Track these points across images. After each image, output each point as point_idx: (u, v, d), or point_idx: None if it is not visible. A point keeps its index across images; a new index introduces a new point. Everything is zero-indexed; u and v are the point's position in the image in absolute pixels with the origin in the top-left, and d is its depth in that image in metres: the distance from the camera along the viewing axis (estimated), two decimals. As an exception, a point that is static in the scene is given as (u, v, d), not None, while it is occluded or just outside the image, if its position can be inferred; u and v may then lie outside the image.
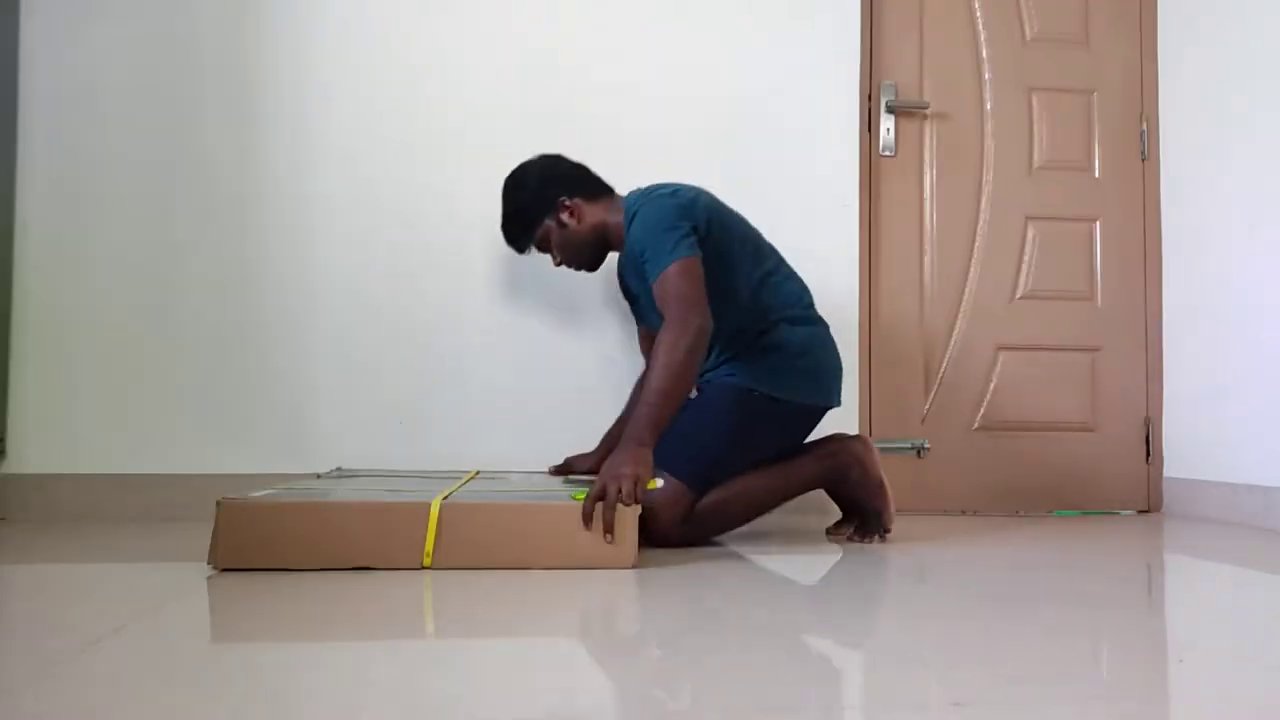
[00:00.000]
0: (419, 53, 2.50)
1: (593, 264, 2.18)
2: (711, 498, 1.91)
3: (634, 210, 2.02)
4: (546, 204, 2.10)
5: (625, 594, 1.47)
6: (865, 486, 2.04)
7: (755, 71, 2.63)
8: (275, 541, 1.58)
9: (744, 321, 2.01)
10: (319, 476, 2.15)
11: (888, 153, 2.73)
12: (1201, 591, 1.65)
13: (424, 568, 1.60)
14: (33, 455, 2.30)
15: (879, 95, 2.73)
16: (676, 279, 1.87)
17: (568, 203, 2.10)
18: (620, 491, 1.66)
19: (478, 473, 2.29)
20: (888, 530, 2.06)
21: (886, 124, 2.73)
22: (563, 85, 2.55)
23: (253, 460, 2.37)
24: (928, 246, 2.76)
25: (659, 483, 1.81)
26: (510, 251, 2.48)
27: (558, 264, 2.17)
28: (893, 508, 2.06)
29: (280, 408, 2.40)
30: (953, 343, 2.76)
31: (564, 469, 2.29)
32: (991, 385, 2.77)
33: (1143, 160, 2.87)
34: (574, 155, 2.53)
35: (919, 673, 1.04)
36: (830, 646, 1.16)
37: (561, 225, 2.10)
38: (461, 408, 2.46)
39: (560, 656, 1.12)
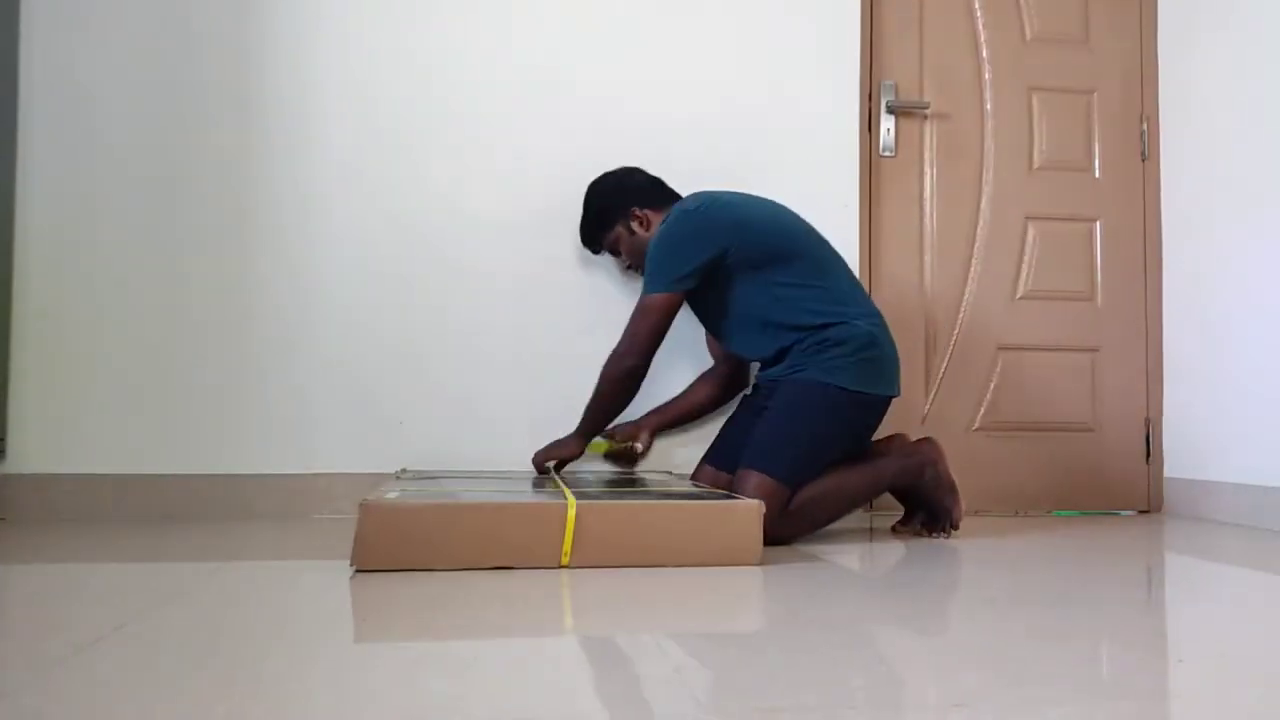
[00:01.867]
0: (421, 55, 2.50)
1: None
2: (807, 494, 2.00)
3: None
4: (620, 211, 2.29)
5: (756, 588, 1.48)
6: (939, 486, 2.16)
7: (754, 71, 2.63)
8: (416, 542, 1.59)
9: (798, 322, 2.09)
10: (397, 477, 2.16)
11: (888, 153, 2.73)
12: (1201, 591, 1.65)
13: (561, 566, 1.62)
14: (33, 455, 2.30)
15: (879, 95, 2.73)
16: (643, 313, 2.10)
17: (638, 212, 2.28)
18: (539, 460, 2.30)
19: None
20: (955, 527, 2.18)
21: (886, 124, 2.73)
22: (562, 86, 2.55)
23: (253, 460, 2.37)
24: (928, 246, 2.76)
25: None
26: (511, 255, 2.51)
27: (625, 268, 2.42)
28: (962, 506, 2.19)
29: (280, 408, 2.40)
30: (953, 343, 2.76)
31: (608, 433, 2.44)
32: (991, 385, 2.77)
33: (1143, 160, 2.87)
34: (573, 155, 2.55)
35: (919, 673, 1.05)
36: (829, 646, 1.16)
37: (631, 232, 2.29)
38: (466, 407, 2.46)
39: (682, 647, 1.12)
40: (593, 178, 2.52)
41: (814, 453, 2.03)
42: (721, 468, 2.22)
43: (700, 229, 2.10)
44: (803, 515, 2.00)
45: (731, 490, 1.98)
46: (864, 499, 2.16)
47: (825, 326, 2.07)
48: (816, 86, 2.66)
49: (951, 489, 2.17)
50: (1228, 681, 1.04)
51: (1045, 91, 2.84)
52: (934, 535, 2.17)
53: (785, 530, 1.96)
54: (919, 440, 2.20)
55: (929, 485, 2.15)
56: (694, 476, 2.29)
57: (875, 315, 2.14)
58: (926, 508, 2.19)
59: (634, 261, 2.34)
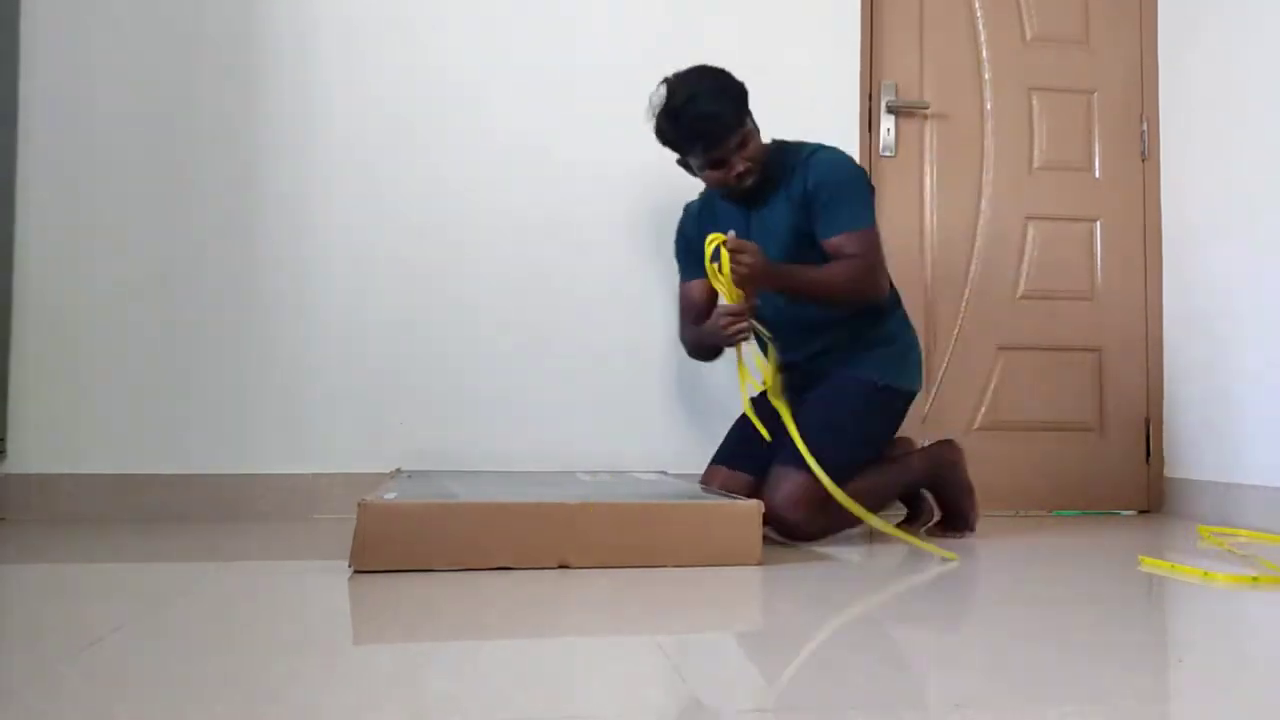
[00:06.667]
0: (424, 50, 2.50)
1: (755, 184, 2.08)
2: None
3: (808, 152, 2.04)
4: (747, 105, 2.03)
5: (755, 590, 1.48)
6: (959, 489, 2.18)
7: (754, 71, 2.60)
8: (415, 542, 1.58)
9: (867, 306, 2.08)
10: (393, 477, 2.16)
11: (888, 153, 2.73)
12: (1201, 592, 1.65)
13: (561, 567, 1.62)
14: (33, 455, 2.30)
15: (879, 95, 2.73)
16: (875, 245, 2.00)
17: (752, 120, 2.05)
18: (741, 262, 1.85)
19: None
20: (971, 529, 2.19)
21: (886, 124, 2.73)
22: (564, 83, 2.55)
23: (253, 460, 2.37)
24: (928, 246, 2.76)
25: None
26: (514, 252, 2.51)
27: (737, 174, 2.02)
28: (979, 510, 2.21)
29: (280, 408, 2.40)
30: (953, 342, 2.75)
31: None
32: (991, 385, 2.77)
33: (1143, 160, 2.87)
34: (575, 152, 2.55)
35: (919, 673, 1.04)
36: (829, 646, 1.16)
37: (755, 132, 2.05)
38: (465, 407, 2.46)
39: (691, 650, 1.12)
40: (595, 172, 2.54)
41: (860, 453, 2.03)
42: (741, 468, 2.12)
43: (864, 173, 2.09)
44: (839, 516, 1.96)
45: (762, 489, 1.97)
46: (893, 499, 2.17)
47: (882, 317, 2.10)
48: (817, 86, 2.65)
49: (970, 493, 2.18)
50: (1228, 681, 1.04)
51: (1045, 91, 2.83)
52: (950, 535, 2.17)
53: (817, 529, 1.95)
54: (941, 442, 2.22)
55: (949, 486, 2.17)
56: (705, 479, 2.19)
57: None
58: (943, 509, 2.20)
59: (753, 168, 2.03)
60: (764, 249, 1.99)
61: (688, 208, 2.29)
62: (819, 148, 2.06)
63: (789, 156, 2.07)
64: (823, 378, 2.08)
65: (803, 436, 1.91)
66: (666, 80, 2.02)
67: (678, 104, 1.98)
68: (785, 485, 1.92)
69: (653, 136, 2.52)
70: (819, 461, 1.90)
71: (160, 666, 1.01)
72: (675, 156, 2.10)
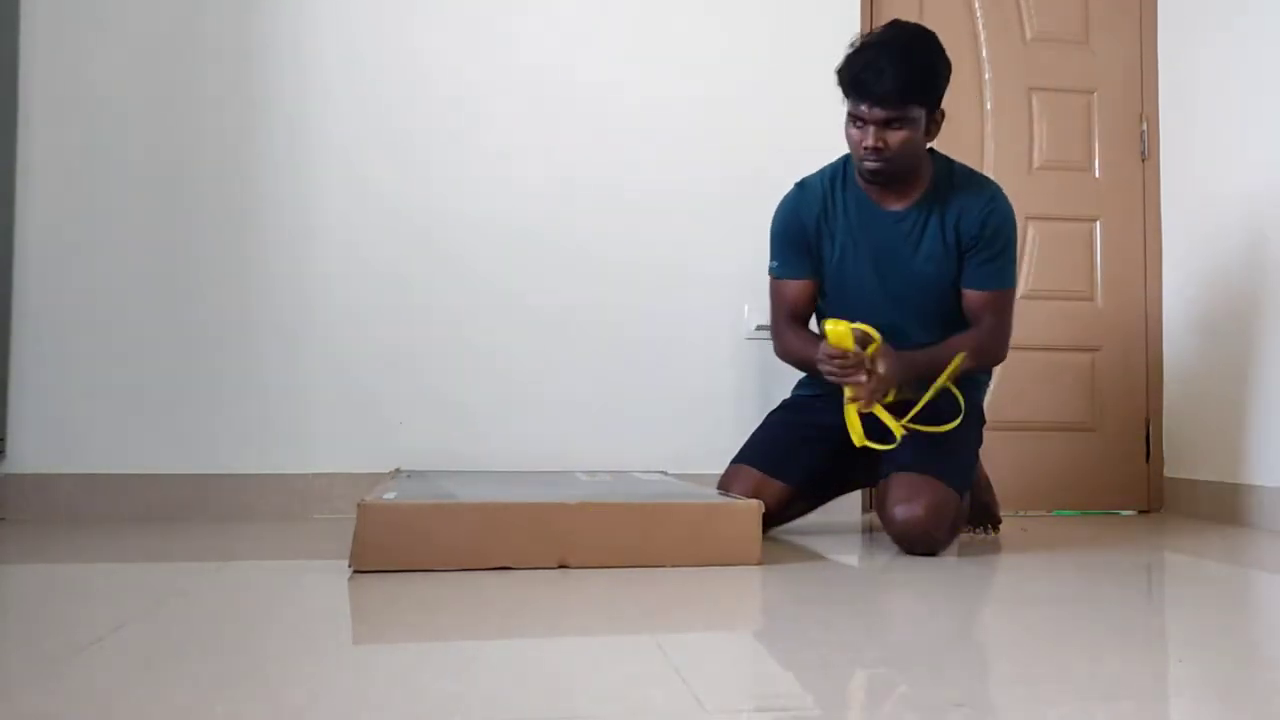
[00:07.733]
0: (421, 54, 2.50)
1: (891, 182, 1.92)
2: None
3: (990, 192, 1.94)
4: (939, 97, 1.85)
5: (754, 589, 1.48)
6: (979, 485, 2.15)
7: (754, 71, 2.63)
8: (415, 542, 1.58)
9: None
10: (393, 477, 2.15)
11: (888, 153, 2.73)
12: (1201, 591, 1.65)
13: (561, 567, 1.61)
14: (33, 455, 2.30)
15: (879, 95, 2.72)
16: (1012, 306, 2.00)
17: (939, 115, 1.87)
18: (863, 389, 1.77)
19: None
20: (999, 521, 2.19)
21: (886, 124, 2.72)
22: (564, 90, 2.54)
23: (253, 460, 2.37)
24: (928, 246, 2.76)
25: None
26: (511, 256, 2.50)
27: (873, 148, 1.82)
28: (998, 505, 2.20)
29: (280, 408, 2.39)
30: (953, 343, 2.75)
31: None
32: (991, 385, 2.76)
33: (1143, 160, 2.87)
34: (572, 155, 2.55)
35: (919, 672, 1.04)
36: (829, 646, 1.16)
37: (926, 130, 1.85)
38: (465, 407, 2.46)
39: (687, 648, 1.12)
40: (592, 175, 2.52)
41: (974, 470, 2.02)
42: (777, 476, 1.98)
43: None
44: (957, 524, 1.94)
45: (793, 499, 1.99)
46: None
47: None
48: (816, 87, 2.64)
49: (989, 486, 2.17)
50: (1228, 681, 1.04)
51: (1045, 91, 2.83)
52: (976, 532, 2.15)
53: (948, 541, 1.89)
54: None
55: (974, 486, 2.12)
56: (725, 482, 2.03)
57: None
58: (970, 508, 2.13)
59: (897, 157, 1.83)
60: (897, 256, 1.95)
61: (804, 186, 2.05)
62: (997, 188, 1.97)
63: (959, 181, 1.95)
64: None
65: (929, 450, 1.82)
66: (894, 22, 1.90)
67: (885, 37, 1.83)
68: (927, 496, 1.79)
69: (645, 148, 2.52)
70: (958, 480, 1.87)
71: (160, 666, 1.01)
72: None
